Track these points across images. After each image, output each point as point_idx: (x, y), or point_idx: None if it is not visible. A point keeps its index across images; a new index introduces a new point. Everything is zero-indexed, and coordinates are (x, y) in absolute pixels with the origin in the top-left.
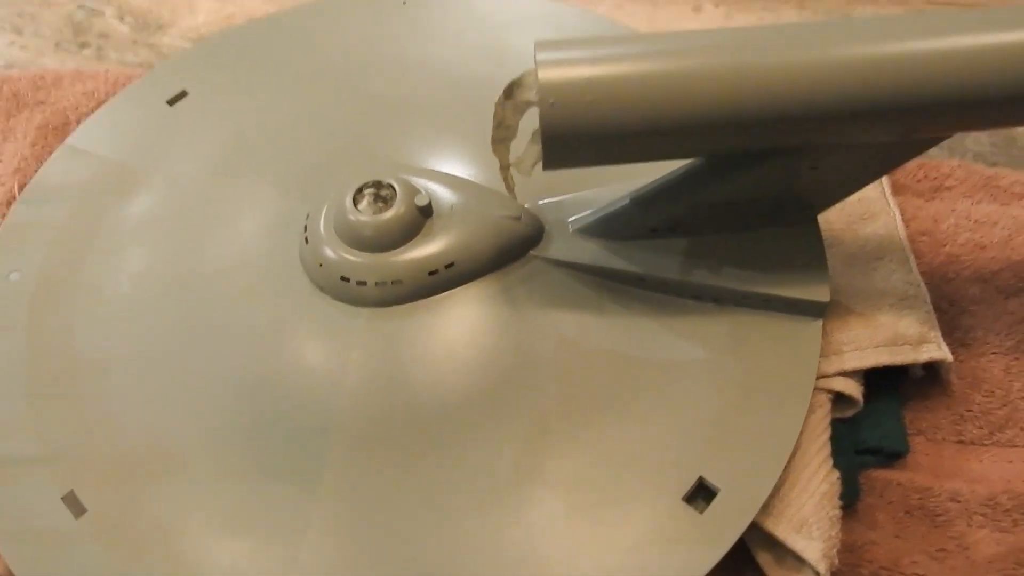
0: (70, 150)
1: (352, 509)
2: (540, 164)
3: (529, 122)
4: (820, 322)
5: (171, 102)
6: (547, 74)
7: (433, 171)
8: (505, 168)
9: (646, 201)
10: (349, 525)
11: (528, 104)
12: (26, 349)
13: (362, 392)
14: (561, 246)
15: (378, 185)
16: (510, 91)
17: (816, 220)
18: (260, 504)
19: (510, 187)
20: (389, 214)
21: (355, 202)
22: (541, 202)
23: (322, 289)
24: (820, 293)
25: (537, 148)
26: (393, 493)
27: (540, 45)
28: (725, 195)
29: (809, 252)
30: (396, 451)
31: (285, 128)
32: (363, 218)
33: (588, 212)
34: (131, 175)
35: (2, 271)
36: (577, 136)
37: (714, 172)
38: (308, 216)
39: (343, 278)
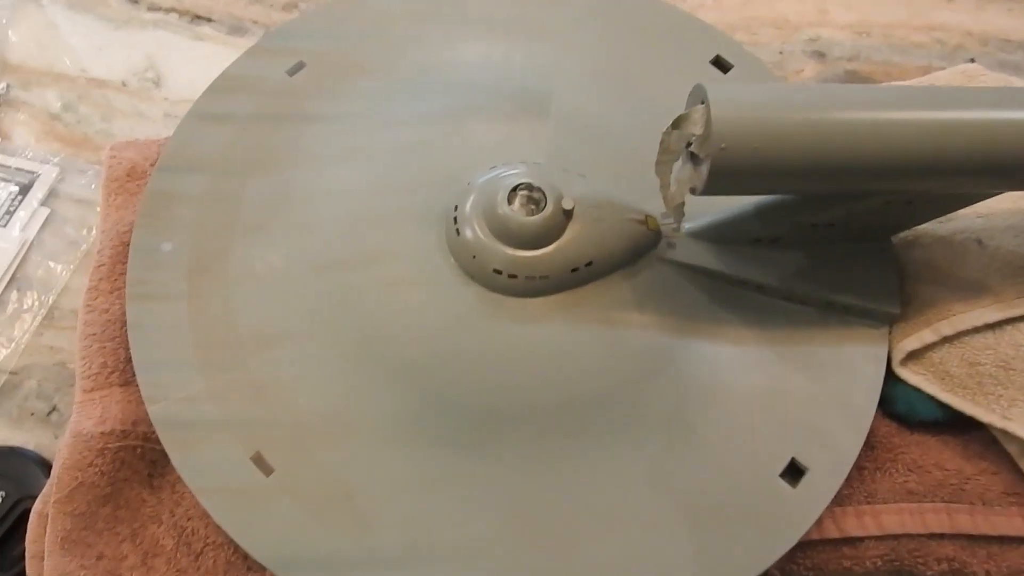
0: (198, 118)
1: (516, 481)
2: (695, 187)
3: None
4: (887, 328)
5: (290, 72)
6: (721, 123)
7: (565, 172)
8: (665, 187)
9: (764, 213)
10: (515, 495)
11: (692, 137)
12: (190, 320)
13: (516, 375)
14: (677, 249)
15: (530, 188)
16: (678, 123)
17: (891, 240)
18: (431, 470)
19: (670, 204)
20: (541, 216)
21: (508, 201)
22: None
23: (472, 278)
24: (892, 305)
25: (694, 172)
26: (544, 475)
27: (713, 91)
28: (829, 218)
29: (885, 268)
30: (548, 436)
31: (415, 114)
32: (519, 217)
33: (703, 218)
34: (264, 148)
35: (154, 241)
36: (740, 175)
37: (827, 201)
38: (456, 208)
39: (495, 271)
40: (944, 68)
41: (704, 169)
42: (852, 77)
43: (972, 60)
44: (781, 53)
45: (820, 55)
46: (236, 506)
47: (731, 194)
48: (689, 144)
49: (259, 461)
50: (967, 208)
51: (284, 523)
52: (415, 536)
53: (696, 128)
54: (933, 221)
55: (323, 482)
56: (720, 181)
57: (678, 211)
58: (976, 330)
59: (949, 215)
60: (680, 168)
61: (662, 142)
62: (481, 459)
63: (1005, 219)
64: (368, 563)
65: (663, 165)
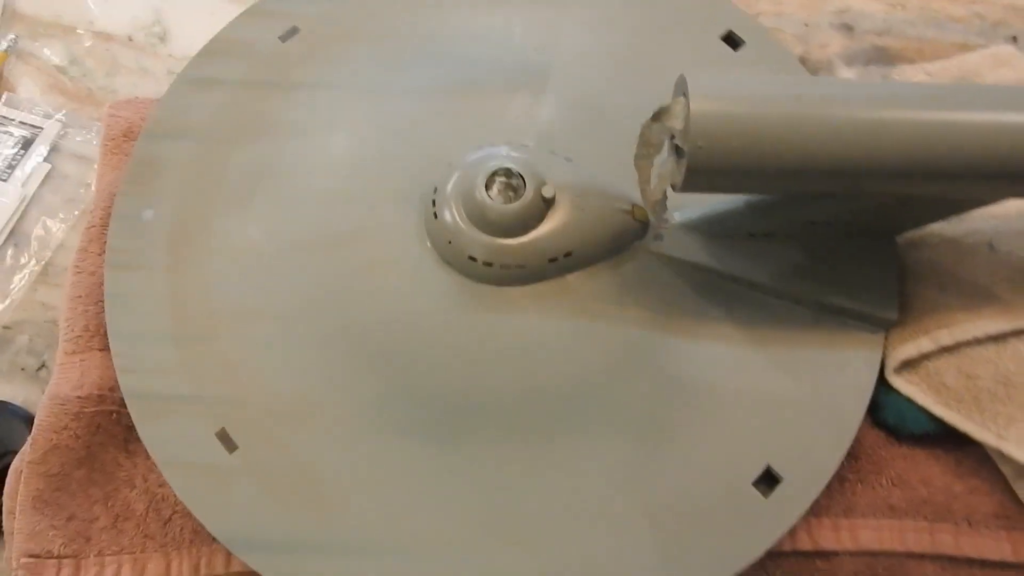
0: (187, 82)
1: (483, 475)
2: (675, 183)
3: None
4: (883, 334)
5: (283, 38)
6: (699, 119)
7: (552, 155)
8: (644, 182)
9: (758, 208)
10: (481, 489)
11: (673, 130)
12: (168, 291)
13: (489, 366)
14: (665, 241)
15: (508, 173)
16: (659, 115)
17: (894, 240)
18: (397, 459)
19: (648, 200)
20: (519, 204)
21: (486, 187)
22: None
23: (448, 264)
24: (889, 311)
25: (675, 167)
26: (511, 468)
27: (693, 85)
28: (824, 216)
29: (884, 271)
30: (518, 429)
31: (405, 88)
32: (495, 204)
33: (695, 209)
34: (251, 117)
35: (136, 209)
36: (718, 173)
37: (820, 198)
38: (436, 190)
39: (471, 257)
40: (981, 46)
41: (683, 165)
42: (881, 54)
43: (1014, 39)
44: (806, 25)
45: (848, 28)
46: (198, 481)
47: (711, 192)
48: (673, 136)
49: (223, 438)
50: (980, 208)
51: (244, 502)
52: (376, 525)
53: (676, 122)
54: (943, 221)
55: (286, 464)
56: (697, 179)
57: (659, 207)
58: (977, 341)
59: (961, 215)
60: (663, 161)
61: (641, 134)
62: (449, 451)
63: (1022, 222)
64: (326, 549)
65: (643, 159)
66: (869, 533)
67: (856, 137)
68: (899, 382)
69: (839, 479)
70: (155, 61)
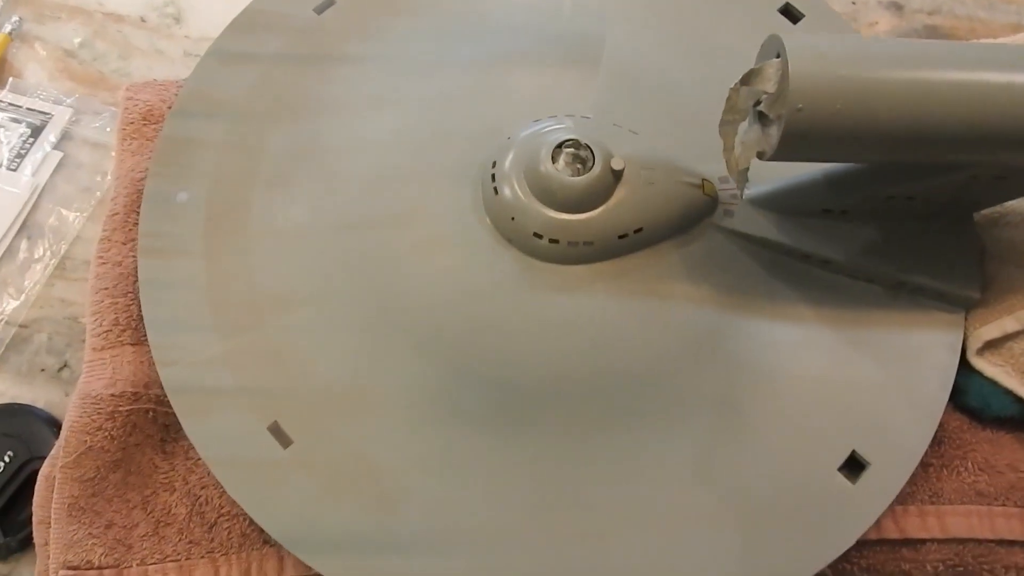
0: (218, 58)
1: (548, 465)
2: (763, 151)
3: None
4: (963, 314)
5: (318, 10)
6: (799, 80)
7: (616, 128)
8: (729, 150)
9: (838, 182)
10: (547, 479)
11: (764, 94)
12: (208, 278)
13: (555, 349)
14: (735, 217)
15: (576, 145)
16: (748, 79)
17: (972, 218)
18: (458, 449)
19: (733, 169)
20: (588, 177)
21: (552, 159)
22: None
23: (510, 242)
24: (972, 289)
25: (762, 135)
26: (578, 457)
27: (791, 45)
28: (909, 191)
29: (964, 248)
30: (585, 415)
31: (452, 61)
32: (562, 177)
33: (766, 185)
34: (288, 93)
35: (169, 191)
36: (817, 140)
37: (909, 171)
38: (494, 165)
39: (536, 234)
40: None
41: (775, 131)
42: (931, 32)
43: None
44: (854, 3)
45: (897, 7)
46: (251, 479)
47: (804, 160)
48: (758, 103)
49: (276, 431)
50: None
51: (301, 498)
52: (438, 519)
53: (768, 85)
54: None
55: (343, 457)
56: (793, 146)
57: (742, 177)
58: None
59: None
60: (746, 129)
61: (728, 99)
62: (512, 439)
63: None
64: (387, 545)
65: (728, 125)
66: (957, 520)
67: (969, 100)
68: (982, 364)
69: (923, 465)
70: (170, 43)
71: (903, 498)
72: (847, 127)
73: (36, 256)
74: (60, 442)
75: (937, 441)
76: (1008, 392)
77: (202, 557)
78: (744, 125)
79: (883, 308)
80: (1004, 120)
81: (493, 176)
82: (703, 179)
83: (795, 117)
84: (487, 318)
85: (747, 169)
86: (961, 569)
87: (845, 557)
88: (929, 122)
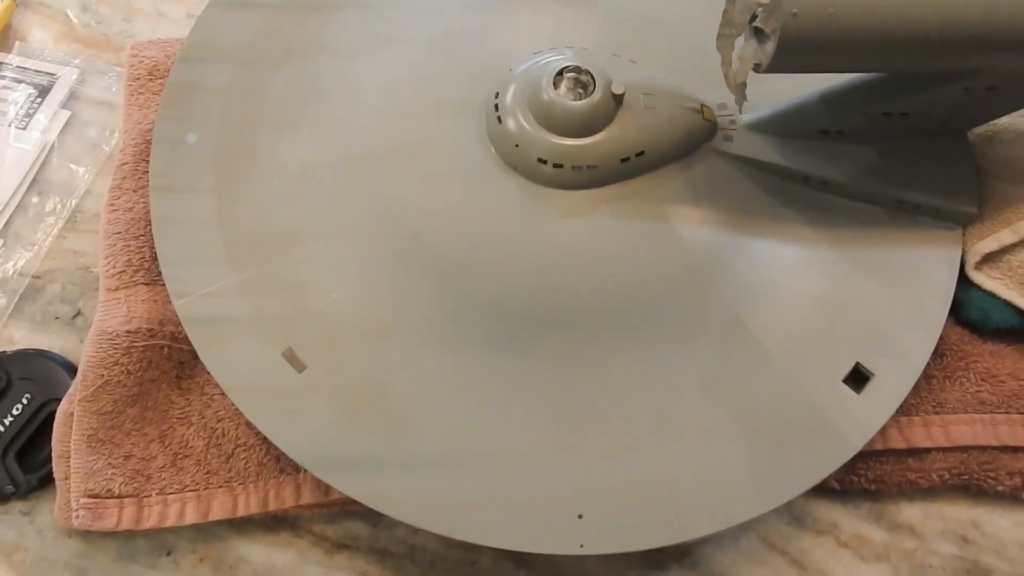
0: (222, 6)
1: (560, 385)
2: (759, 63)
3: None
4: (960, 230)
5: None
6: None
7: (616, 57)
8: (727, 65)
9: (833, 101)
10: (559, 399)
11: (759, 5)
12: (218, 214)
13: (562, 273)
14: (735, 141)
15: (577, 70)
16: None
17: (967, 136)
18: (470, 371)
19: (732, 83)
20: (589, 101)
21: (554, 85)
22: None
23: (515, 169)
24: (969, 204)
25: (759, 48)
26: (588, 375)
27: None
28: (904, 106)
29: (960, 165)
30: (593, 335)
31: (455, 2)
32: (565, 102)
33: (764, 108)
34: (292, 39)
35: (178, 133)
36: (813, 47)
37: (903, 84)
38: (496, 95)
39: (540, 160)
40: None
41: (770, 44)
42: None
43: None
44: None
45: None
46: (268, 404)
47: (800, 71)
48: (754, 18)
49: (291, 358)
50: None
51: (318, 421)
52: (453, 438)
53: None
54: (1014, 114)
55: (358, 381)
56: (789, 54)
57: (740, 91)
58: None
59: None
60: (743, 44)
61: (725, 13)
62: (523, 360)
63: None
64: (403, 464)
65: (724, 39)
66: (962, 428)
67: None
68: (980, 277)
69: (926, 377)
70: (173, 5)
71: (907, 409)
72: (842, 31)
73: (47, 210)
74: (77, 378)
75: (939, 354)
76: (1007, 304)
77: (220, 487)
78: (740, 41)
79: (882, 227)
80: (999, 19)
81: (496, 106)
82: (702, 104)
83: (790, 23)
84: (494, 244)
85: (745, 84)
86: (966, 477)
87: (851, 469)
88: (923, 23)
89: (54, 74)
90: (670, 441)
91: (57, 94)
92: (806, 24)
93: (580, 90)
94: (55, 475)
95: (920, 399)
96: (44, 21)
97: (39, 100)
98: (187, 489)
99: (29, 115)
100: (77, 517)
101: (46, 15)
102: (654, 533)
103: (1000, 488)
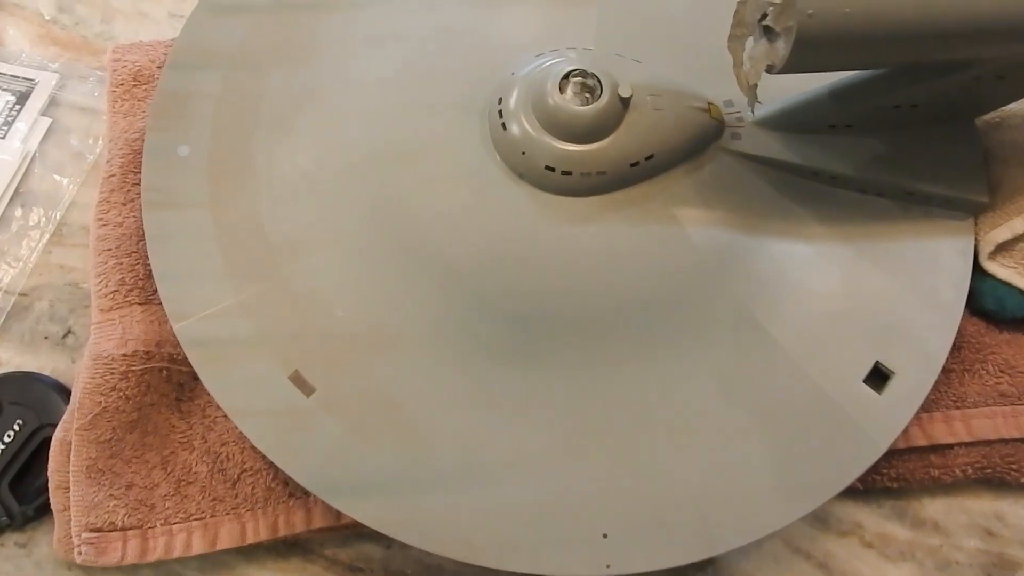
0: (209, 9)
1: (575, 392)
2: (772, 64)
3: None
4: (972, 220)
5: None
6: None
7: (620, 57)
8: (738, 66)
9: (842, 94)
10: (574, 406)
11: (770, 5)
12: (215, 229)
13: (574, 281)
14: (743, 139)
15: (583, 74)
16: None
17: (974, 123)
18: (483, 382)
19: (744, 85)
20: (597, 106)
21: (560, 89)
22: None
23: (521, 176)
24: (980, 193)
25: (770, 48)
26: (604, 384)
27: None
28: (914, 97)
29: (969, 154)
30: (608, 343)
31: (459, 2)
32: (571, 108)
33: (771, 105)
34: (284, 41)
35: (169, 145)
36: (829, 46)
37: (914, 76)
38: (500, 100)
39: (548, 167)
40: None
41: (782, 44)
42: None
43: None
44: None
45: None
46: (276, 429)
47: (814, 70)
48: (764, 17)
49: (298, 380)
50: None
51: (329, 445)
52: (468, 455)
53: None
54: (1021, 100)
55: (368, 399)
56: (804, 55)
57: (752, 93)
58: None
59: None
60: (753, 45)
61: (736, 13)
62: (536, 369)
63: None
64: (418, 486)
65: (736, 40)
66: (983, 422)
67: None
68: (994, 267)
69: (944, 371)
70: (154, 4)
71: (927, 405)
72: (858, 30)
73: (32, 224)
74: (73, 405)
75: (956, 347)
76: (1023, 292)
77: (227, 514)
78: (751, 41)
79: (894, 220)
80: (1017, 7)
81: (500, 112)
82: (709, 103)
83: (806, 24)
84: (504, 254)
85: (757, 85)
86: (989, 471)
87: (874, 468)
88: (940, 16)
89: (33, 79)
90: (692, 449)
91: (37, 101)
92: (822, 24)
93: (587, 94)
94: (53, 506)
95: (940, 394)
96: (19, 23)
97: (18, 107)
98: (193, 518)
99: (8, 123)
100: (80, 553)
101: (21, 16)
102: (683, 549)
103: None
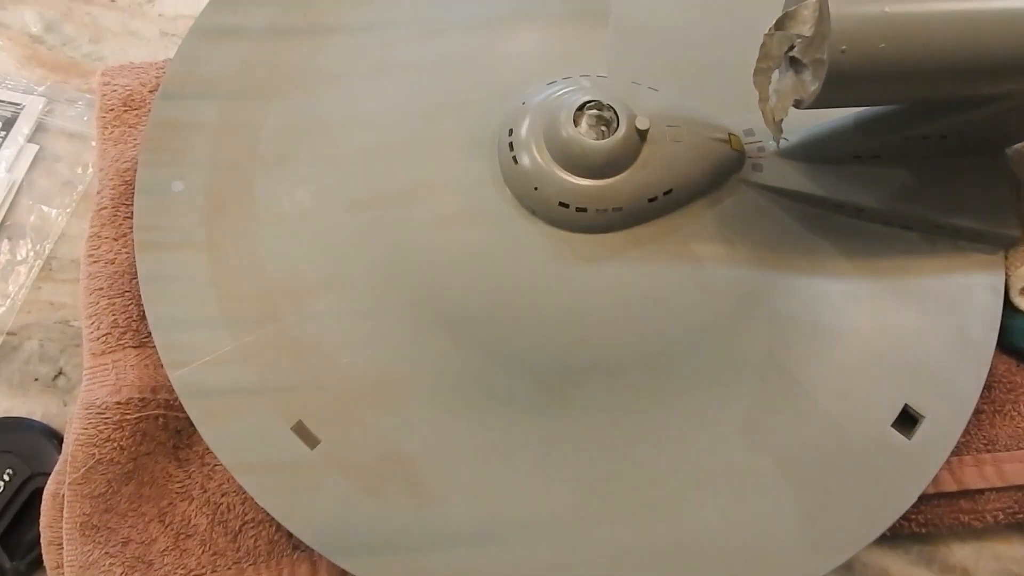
0: (203, 34)
1: (594, 443)
2: (800, 99)
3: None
4: (1002, 254)
5: None
6: (842, 21)
7: (636, 86)
8: (764, 100)
9: (868, 125)
10: (594, 458)
11: (799, 38)
12: (212, 270)
13: (591, 322)
14: (764, 171)
15: (599, 106)
16: (782, 23)
17: (1004, 153)
18: (498, 434)
19: (768, 119)
20: (614, 139)
21: (575, 122)
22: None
23: (533, 213)
24: (1010, 226)
25: (797, 81)
26: (623, 435)
27: None
28: (944, 128)
29: (998, 186)
30: (626, 390)
31: (453, 23)
32: (586, 141)
33: (793, 135)
34: (282, 68)
35: (162, 180)
36: (862, 82)
37: (945, 107)
38: (511, 132)
39: (562, 204)
40: None
41: (811, 77)
42: None
43: None
44: None
45: None
46: (279, 483)
47: (845, 105)
48: (791, 49)
49: (301, 431)
50: None
51: (333, 500)
52: (484, 511)
53: (804, 28)
54: None
55: (376, 453)
56: (836, 90)
57: (778, 128)
58: None
59: None
60: (779, 78)
61: (763, 46)
62: (553, 419)
63: None
64: (429, 543)
65: (763, 74)
66: (1016, 466)
67: (1017, 25)
68: None
69: (974, 412)
70: (144, 23)
71: (957, 448)
72: (892, 66)
73: (19, 258)
74: (65, 457)
75: (986, 386)
76: None
77: (229, 568)
78: (776, 74)
79: (921, 254)
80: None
81: (511, 145)
82: (729, 133)
83: (838, 60)
84: (517, 295)
85: (783, 120)
86: (1021, 516)
87: (902, 514)
88: (977, 52)
89: (19, 104)
90: (716, 504)
91: (23, 126)
92: (856, 61)
93: (603, 127)
94: (46, 563)
95: (970, 436)
96: (4, 43)
97: (3, 134)
98: (193, 574)
99: None
100: None
101: (6, 37)
102: None
103: None
